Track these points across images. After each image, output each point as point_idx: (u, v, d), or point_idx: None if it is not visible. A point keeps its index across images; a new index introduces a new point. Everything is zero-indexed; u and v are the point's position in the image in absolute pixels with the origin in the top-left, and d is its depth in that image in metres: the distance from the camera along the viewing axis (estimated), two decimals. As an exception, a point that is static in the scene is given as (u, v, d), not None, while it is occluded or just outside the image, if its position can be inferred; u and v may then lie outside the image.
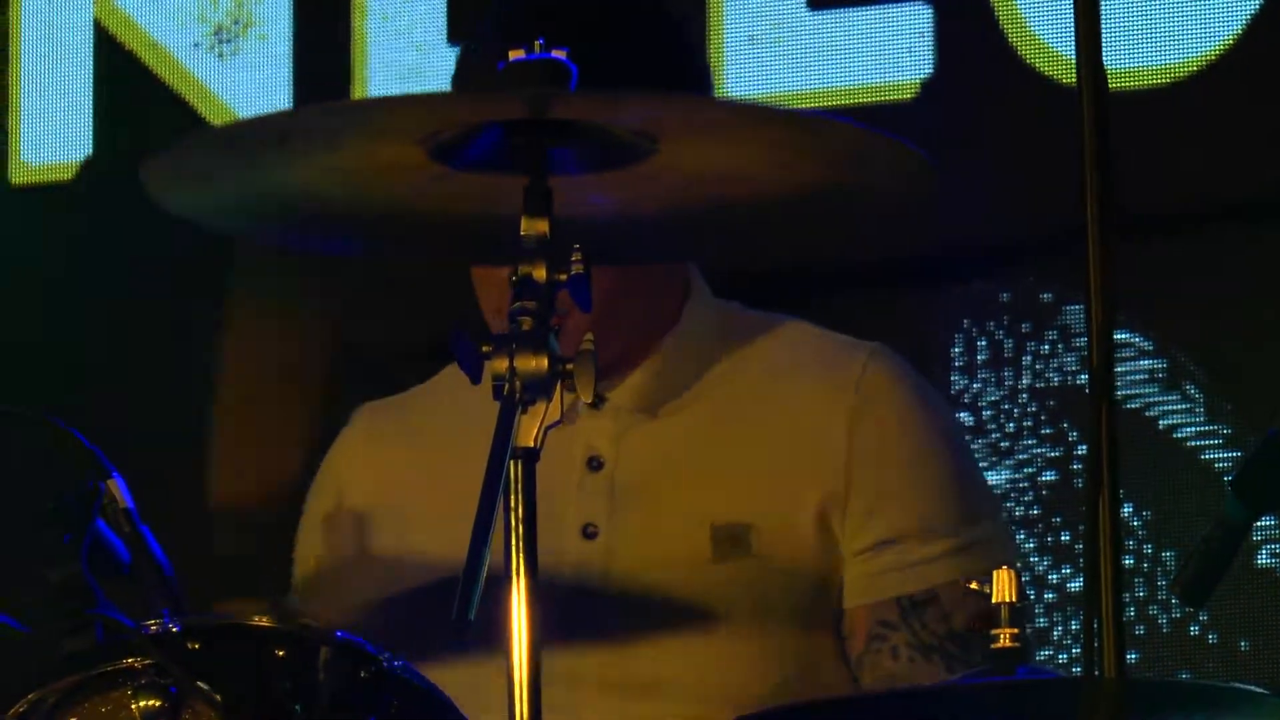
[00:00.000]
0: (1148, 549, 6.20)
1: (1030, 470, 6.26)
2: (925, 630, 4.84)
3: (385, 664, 3.86)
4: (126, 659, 3.80)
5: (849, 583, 4.88)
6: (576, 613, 4.66)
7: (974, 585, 3.96)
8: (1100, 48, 3.71)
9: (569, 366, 3.59)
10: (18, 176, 7.17)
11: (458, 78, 4.96)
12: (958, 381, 6.27)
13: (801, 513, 4.88)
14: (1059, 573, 6.24)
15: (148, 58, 7.13)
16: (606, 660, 4.77)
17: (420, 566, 4.83)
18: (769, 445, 5.00)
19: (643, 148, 3.76)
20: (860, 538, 4.86)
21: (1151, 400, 6.24)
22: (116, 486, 4.25)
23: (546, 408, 3.59)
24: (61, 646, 4.02)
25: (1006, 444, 6.33)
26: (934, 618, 4.81)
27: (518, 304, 3.61)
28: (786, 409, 5.06)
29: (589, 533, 4.89)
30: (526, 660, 3.57)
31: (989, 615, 3.88)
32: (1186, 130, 6.41)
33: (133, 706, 3.81)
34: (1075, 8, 3.39)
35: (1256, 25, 6.39)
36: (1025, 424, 6.33)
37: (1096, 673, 3.45)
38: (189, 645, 3.86)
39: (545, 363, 3.55)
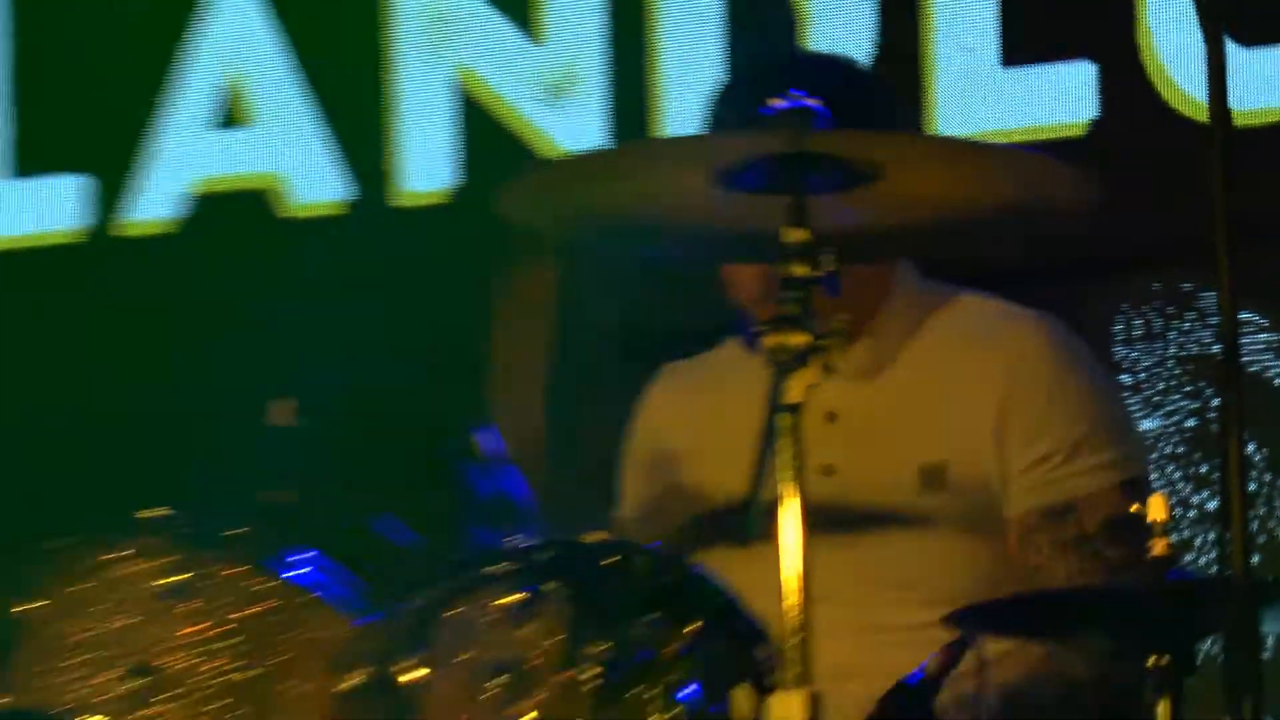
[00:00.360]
0: (1266, 478, 6.79)
1: (1176, 419, 6.91)
2: (1063, 533, 5.41)
3: (690, 570, 4.51)
4: (496, 565, 4.43)
5: (1009, 497, 5.46)
6: (821, 531, 4.73)
7: (1134, 508, 4.46)
8: (1226, 94, 4.31)
9: (823, 341, 4.15)
10: (402, 201, 7.73)
11: (715, 118, 5.48)
12: (1119, 351, 6.90)
13: (982, 450, 5.47)
14: (1199, 496, 6.86)
15: (498, 109, 7.68)
16: (845, 566, 5.07)
17: (713, 495, 5.41)
18: (956, 398, 5.56)
19: (872, 174, 4.39)
20: (1018, 460, 5.46)
21: (1268, 365, 6.84)
22: (490, 437, 5.15)
23: (806, 373, 4.18)
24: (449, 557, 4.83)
25: (1158, 399, 6.96)
26: (1071, 524, 5.36)
27: (785, 294, 4.21)
28: (968, 368, 5.60)
29: (828, 472, 5.31)
30: (797, 564, 4.19)
31: (1138, 528, 4.44)
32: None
33: (501, 602, 4.30)
34: (1209, 65, 4.18)
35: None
36: (1171, 384, 6.95)
37: (1228, 574, 4.13)
38: (544, 555, 4.48)
39: (807, 339, 4.13)
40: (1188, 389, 6.91)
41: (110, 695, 4.56)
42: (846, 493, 5.42)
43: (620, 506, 5.90)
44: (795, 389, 4.22)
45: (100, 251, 7.67)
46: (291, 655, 4.63)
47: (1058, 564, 5.38)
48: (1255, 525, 5.89)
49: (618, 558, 4.48)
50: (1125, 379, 6.87)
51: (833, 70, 6.01)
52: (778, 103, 4.45)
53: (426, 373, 7.40)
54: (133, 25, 7.82)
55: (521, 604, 4.40)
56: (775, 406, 4.22)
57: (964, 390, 5.56)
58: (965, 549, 5.49)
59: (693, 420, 5.82)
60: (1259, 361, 6.78)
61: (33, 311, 6.73)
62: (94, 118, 7.82)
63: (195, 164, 7.70)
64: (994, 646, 5.08)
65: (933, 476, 5.50)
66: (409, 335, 7.41)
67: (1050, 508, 5.37)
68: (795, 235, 4.24)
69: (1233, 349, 4.26)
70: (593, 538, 4.60)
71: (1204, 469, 6.80)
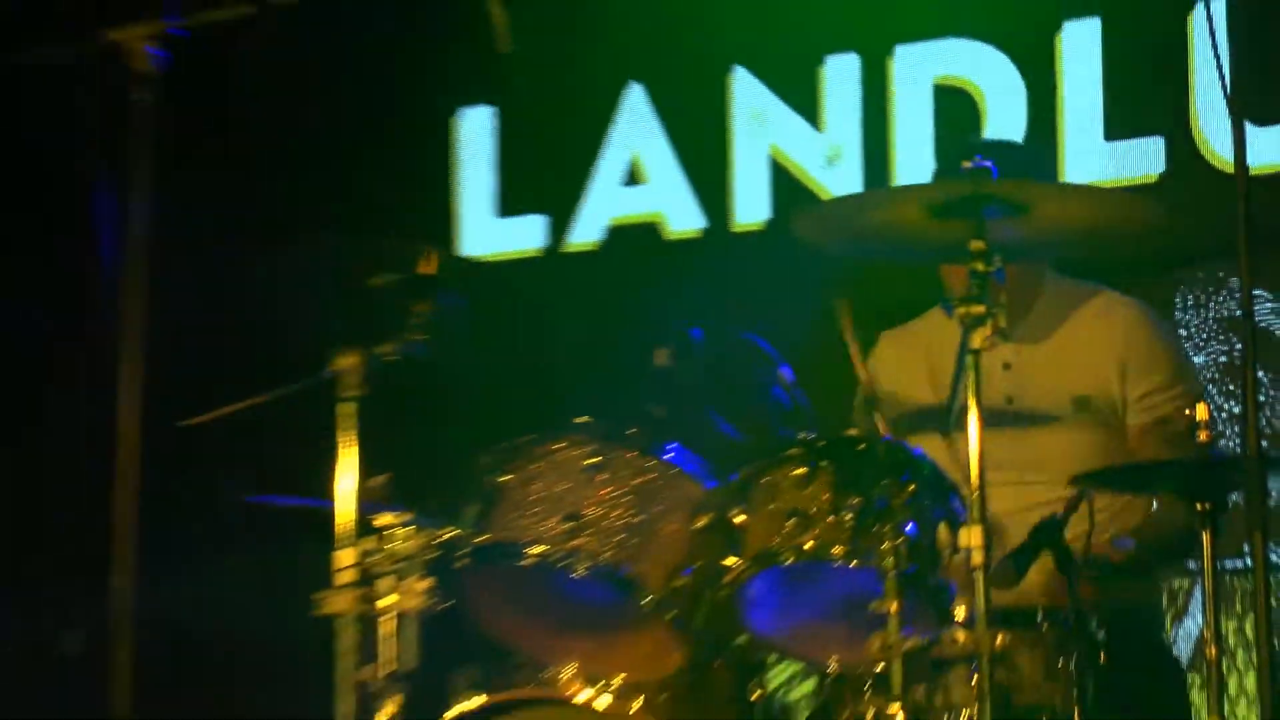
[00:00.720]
0: (1271, 393, 7.16)
1: (1214, 357, 7.30)
2: (1161, 435, 5.95)
3: (910, 451, 5.14)
4: (792, 450, 5.08)
5: (1128, 415, 6.11)
6: (1003, 430, 5.72)
7: (1187, 411, 5.15)
8: (1245, 157, 4.77)
9: (994, 310, 4.82)
10: (736, 229, 8.12)
11: (939, 174, 6.45)
12: (1180, 316, 7.30)
13: (1111, 386, 6.10)
14: (1228, 405, 7.18)
15: (794, 170, 8.01)
16: (1014, 454, 5.74)
17: (924, 405, 6.11)
18: (1094, 356, 6.14)
19: (1022, 207, 5.05)
20: (1134, 393, 6.09)
21: (1272, 323, 7.18)
22: (788, 372, 5.55)
23: (983, 330, 4.80)
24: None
25: (1203, 345, 7.32)
26: (1167, 429, 5.88)
27: (971, 281, 4.87)
28: (1098, 335, 6.21)
29: (1008, 401, 6.04)
30: (978, 448, 4.75)
31: (1194, 428, 5.08)
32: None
33: (793, 474, 5.01)
34: (1234, 139, 4.88)
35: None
36: (1211, 336, 7.32)
37: (1246, 452, 4.62)
38: (821, 443, 5.11)
39: (984, 309, 4.76)
40: (1220, 339, 7.32)
41: (554, 533, 5.17)
42: (1019, 412, 6.02)
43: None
44: (977, 339, 4.86)
45: (553, 263, 8.16)
46: (665, 507, 5.22)
47: (1160, 453, 5.91)
48: (1263, 423, 6.48)
49: (865, 444, 5.17)
50: (1183, 333, 7.24)
51: (1001, 146, 6.93)
52: (967, 165, 5.08)
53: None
54: (578, 115, 8.19)
55: (806, 474, 5.04)
56: (965, 350, 4.89)
57: (1098, 351, 6.15)
58: (1098, 446, 6.03)
59: (906, 360, 6.39)
60: (1266, 321, 7.15)
61: (509, 302, 6.01)
62: (548, 177, 8.23)
63: (612, 206, 8.21)
64: (1110, 502, 5.79)
65: (1083, 403, 6.06)
66: (743, 312, 7.30)
67: (1154, 421, 5.98)
68: (976, 244, 4.88)
69: (1249, 313, 4.87)
70: (850, 432, 5.46)
71: (1231, 387, 7.17)
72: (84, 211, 5.93)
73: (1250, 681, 6.04)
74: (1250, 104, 5.65)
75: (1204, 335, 7.17)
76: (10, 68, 6.44)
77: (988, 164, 5.07)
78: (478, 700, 5.15)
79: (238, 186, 7.11)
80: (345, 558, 5.29)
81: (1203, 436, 5.07)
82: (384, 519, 5.31)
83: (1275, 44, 6.80)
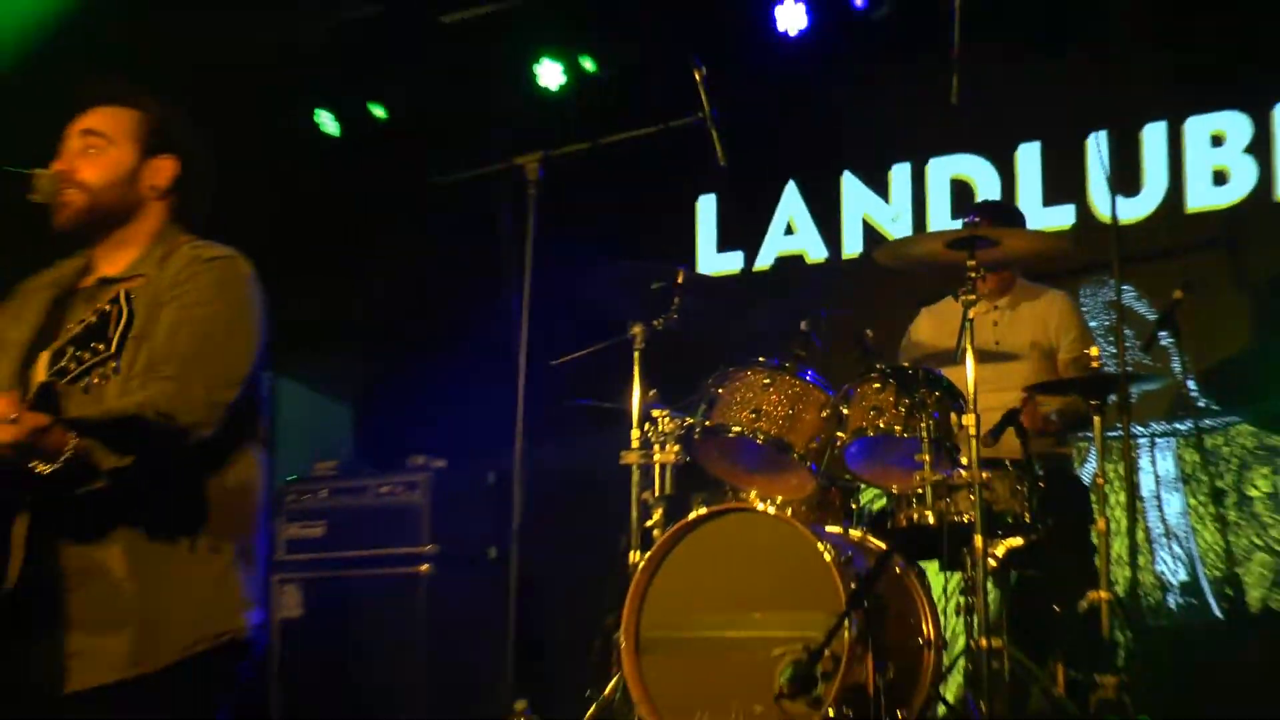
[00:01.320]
0: (1136, 344, 6.18)
1: (1101, 323, 6.76)
2: (1075, 364, 5.95)
3: (934, 373, 5.28)
4: (872, 374, 5.38)
5: (1059, 354, 6.07)
6: (992, 363, 5.76)
7: (1088, 351, 5.60)
8: (1116, 214, 5.25)
9: (977, 296, 5.12)
10: (845, 257, 7.69)
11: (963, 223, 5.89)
12: (1083, 301, 6.79)
13: (1051, 337, 6.12)
14: (1110, 348, 6.58)
15: (872, 223, 7.65)
16: (997, 376, 5.74)
17: (945, 348, 5.82)
18: (1042, 320, 6.15)
19: (998, 241, 5.25)
20: (1062, 341, 6.09)
21: (1135, 305, 6.72)
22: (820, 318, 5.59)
23: (977, 306, 5.14)
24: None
25: (1094, 315, 6.84)
26: (1077, 362, 5.87)
27: (967, 280, 5.15)
28: (1045, 309, 6.17)
29: (996, 343, 6.07)
30: (973, 373, 5.07)
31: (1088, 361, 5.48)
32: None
33: (874, 386, 5.32)
34: (1111, 207, 5.36)
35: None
36: (1100, 311, 6.86)
37: (1119, 371, 5.19)
38: (886, 371, 5.35)
39: (972, 296, 5.11)
40: (1105, 314, 6.84)
41: (745, 419, 5.39)
42: (1001, 350, 6.00)
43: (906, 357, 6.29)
44: (972, 312, 5.17)
45: (746, 278, 7.85)
46: (805, 404, 5.39)
47: (1072, 373, 5.94)
48: (1128, 358, 5.86)
49: (911, 370, 5.40)
50: (1085, 309, 6.68)
51: (989, 205, 6.80)
52: (969, 217, 5.67)
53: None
54: (761, 199, 7.90)
55: (880, 386, 5.38)
56: (965, 318, 5.19)
57: (1044, 318, 6.17)
58: (1043, 369, 6.08)
59: (936, 324, 6.32)
60: (1128, 303, 6.63)
61: (724, 298, 6.46)
62: (745, 231, 7.92)
63: (778, 246, 7.87)
64: (1045, 399, 5.88)
65: (1035, 345, 6.10)
66: (848, 303, 7.03)
67: (1071, 358, 6.03)
68: (969, 261, 5.18)
69: (1119, 299, 5.55)
70: (903, 363, 5.79)
71: (1110, 340, 6.64)
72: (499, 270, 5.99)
73: (1123, 496, 6.01)
74: (1119, 185, 6.09)
75: (1096, 311, 6.82)
76: (456, 183, 6.59)
77: (976, 219, 5.64)
78: (700, 510, 5.31)
79: (584, 246, 6.73)
80: (635, 433, 5.78)
81: (1094, 365, 5.52)
82: (656, 413, 5.72)
83: (1132, 155, 6.96)
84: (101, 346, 2.84)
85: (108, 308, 2.86)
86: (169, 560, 3.18)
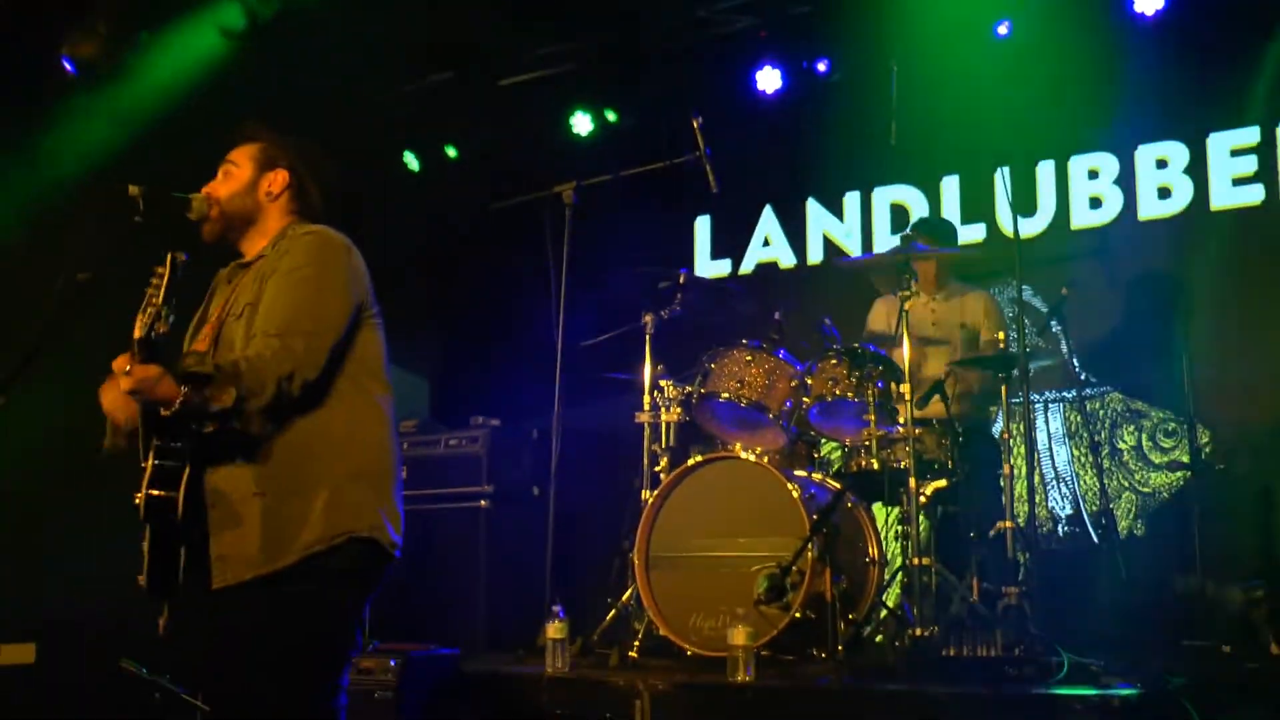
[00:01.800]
0: (1035, 319, 6.03)
1: (1006, 314, 6.35)
2: (990, 345, 5.66)
3: (880, 352, 5.24)
4: (830, 353, 5.32)
5: (982, 335, 5.83)
6: (931, 345, 5.80)
7: (1000, 335, 5.47)
8: (1019, 230, 5.42)
9: (912, 292, 5.14)
10: (809, 264, 7.51)
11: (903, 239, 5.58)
12: (996, 294, 6.18)
13: (977, 324, 5.91)
14: (1013, 334, 5.87)
15: (832, 239, 7.47)
16: (937, 355, 5.76)
17: (885, 337, 5.84)
18: (970, 309, 5.96)
19: (929, 254, 5.40)
20: (982, 329, 5.86)
21: (1030, 299, 6.58)
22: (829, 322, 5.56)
23: (912, 300, 5.16)
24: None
25: (1004, 308, 6.35)
26: (993, 344, 5.54)
27: (905, 279, 5.15)
28: (973, 304, 5.98)
29: (934, 326, 5.95)
30: (909, 355, 5.08)
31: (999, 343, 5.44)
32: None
33: (832, 362, 5.27)
34: (1012, 224, 5.38)
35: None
36: (1007, 306, 6.49)
37: (1020, 351, 5.41)
38: (842, 350, 5.33)
39: (910, 292, 5.14)
40: (1009, 308, 6.42)
41: (731, 387, 5.39)
42: (940, 331, 5.94)
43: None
44: (913, 304, 5.25)
45: (731, 279, 7.61)
46: (778, 376, 5.40)
47: (986, 352, 5.64)
48: (1027, 341, 5.45)
49: (859, 350, 5.33)
50: (1000, 301, 6.30)
51: (928, 221, 6.53)
52: (906, 234, 5.52)
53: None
54: (744, 220, 7.75)
55: (837, 362, 5.36)
56: (902, 310, 5.23)
57: (971, 308, 5.97)
58: (968, 349, 5.86)
59: (883, 313, 6.12)
60: (1027, 298, 6.45)
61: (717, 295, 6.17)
62: (732, 243, 7.77)
63: (757, 255, 7.72)
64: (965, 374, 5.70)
65: (964, 328, 5.95)
66: (814, 300, 6.96)
67: (987, 340, 5.74)
68: (907, 267, 5.22)
69: (1020, 296, 5.45)
70: (854, 345, 5.44)
71: (1014, 327, 5.87)
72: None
73: (1023, 448, 5.69)
74: (1019, 208, 5.87)
75: (1002, 305, 6.32)
76: (509, 207, 6.51)
77: (911, 234, 5.56)
78: (697, 458, 5.37)
79: (608, 255, 6.51)
80: (646, 399, 5.75)
81: (1001, 344, 5.45)
82: (663, 383, 5.72)
83: (1029, 185, 6.89)
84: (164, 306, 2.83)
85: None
86: (290, 480, 3.10)
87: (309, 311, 3.14)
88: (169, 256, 2.85)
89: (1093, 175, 6.88)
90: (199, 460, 3.06)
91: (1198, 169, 6.59)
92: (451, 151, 8.14)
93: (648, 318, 5.88)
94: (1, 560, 5.56)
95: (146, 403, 2.93)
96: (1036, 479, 6.59)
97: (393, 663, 4.94)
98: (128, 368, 2.84)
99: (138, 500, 3.02)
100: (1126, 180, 6.78)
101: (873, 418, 5.27)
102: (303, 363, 3.06)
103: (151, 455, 3.02)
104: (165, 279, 2.85)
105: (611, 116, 7.79)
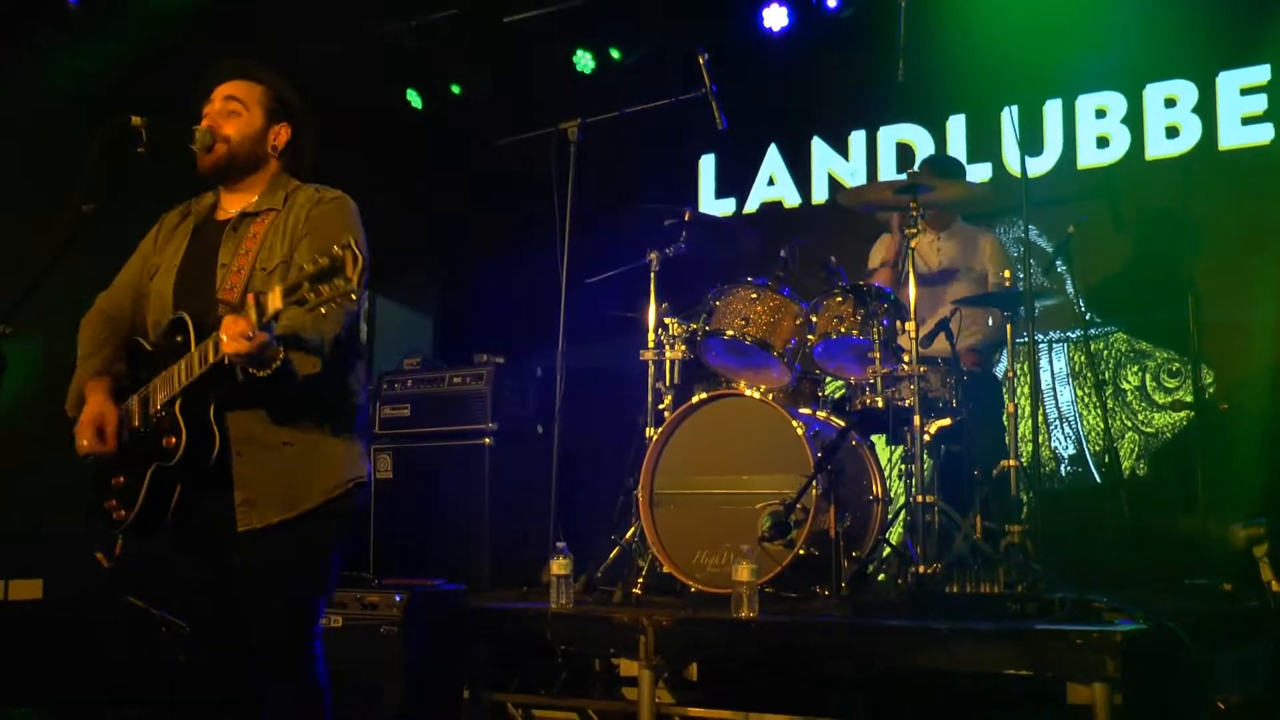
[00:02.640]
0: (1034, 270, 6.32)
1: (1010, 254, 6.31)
2: (994, 283, 5.83)
3: (886, 290, 5.22)
4: (836, 290, 5.26)
5: (989, 275, 5.91)
6: (932, 284, 5.80)
7: (1006, 273, 5.40)
8: (1026, 169, 5.35)
9: (920, 230, 5.08)
10: (814, 203, 7.48)
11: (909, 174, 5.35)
12: (1001, 234, 6.44)
13: (983, 261, 5.99)
14: (1019, 274, 6.28)
15: (835, 176, 7.42)
16: (940, 292, 5.82)
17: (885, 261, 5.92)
18: (975, 247, 6.01)
19: (934, 188, 5.19)
20: (990, 267, 5.94)
21: (1036, 240, 6.58)
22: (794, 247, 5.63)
23: (919, 237, 5.10)
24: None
25: (1008, 246, 6.39)
26: (997, 282, 5.69)
27: (909, 219, 5.11)
28: (975, 240, 6.05)
29: (939, 263, 5.99)
30: (914, 294, 4.99)
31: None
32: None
33: (838, 300, 5.22)
34: (1020, 162, 5.33)
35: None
36: (1012, 245, 6.55)
37: (1026, 292, 5.31)
38: (847, 288, 5.33)
39: (915, 230, 5.05)
40: (1015, 247, 6.46)
41: (736, 324, 5.35)
42: (942, 270, 5.98)
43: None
44: (919, 242, 5.19)
45: (737, 218, 7.63)
46: (783, 314, 5.35)
47: (989, 290, 5.86)
48: (1033, 281, 5.73)
49: (865, 286, 5.29)
50: (1004, 240, 6.42)
51: (933, 158, 6.51)
52: (911, 171, 5.39)
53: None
54: (748, 155, 7.71)
55: (843, 299, 5.30)
56: (908, 244, 5.12)
57: (976, 249, 6.04)
58: (974, 286, 5.96)
59: (882, 252, 6.12)
60: (1032, 239, 6.49)
61: (722, 229, 6.31)
62: (735, 182, 7.73)
63: (762, 194, 7.69)
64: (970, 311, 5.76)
65: (969, 266, 6.00)
66: (818, 236, 6.56)
67: (995, 281, 5.86)
68: (913, 204, 5.12)
69: (1026, 235, 5.38)
70: (860, 282, 5.40)
71: (1019, 265, 5.45)
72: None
73: (1027, 388, 5.91)
74: (1024, 147, 5.99)
75: (1008, 244, 6.37)
76: (515, 144, 6.46)
77: (918, 172, 5.45)
78: (701, 395, 5.37)
79: (613, 192, 6.84)
80: (651, 336, 5.71)
81: (1007, 284, 5.38)
82: (668, 320, 5.67)
83: (1036, 124, 6.83)
84: (341, 283, 2.82)
85: (340, 253, 2.83)
86: (313, 429, 3.31)
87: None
88: (350, 239, 2.87)
89: (1100, 114, 6.81)
90: (222, 408, 3.23)
91: (1207, 108, 6.50)
92: (455, 89, 8.05)
93: (652, 255, 5.86)
94: (7, 496, 5.60)
95: (244, 363, 3.04)
96: (1040, 418, 6.54)
97: (398, 598, 4.99)
98: (250, 332, 2.95)
99: (169, 443, 3.19)
100: (1134, 119, 6.70)
101: (877, 356, 5.23)
102: (344, 325, 3.23)
103: (178, 405, 3.20)
104: (355, 260, 2.84)
105: (616, 54, 7.68)
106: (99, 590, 5.54)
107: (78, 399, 3.44)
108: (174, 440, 3.19)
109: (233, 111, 3.47)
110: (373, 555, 6.33)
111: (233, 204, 3.52)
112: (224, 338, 2.98)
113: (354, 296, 2.84)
